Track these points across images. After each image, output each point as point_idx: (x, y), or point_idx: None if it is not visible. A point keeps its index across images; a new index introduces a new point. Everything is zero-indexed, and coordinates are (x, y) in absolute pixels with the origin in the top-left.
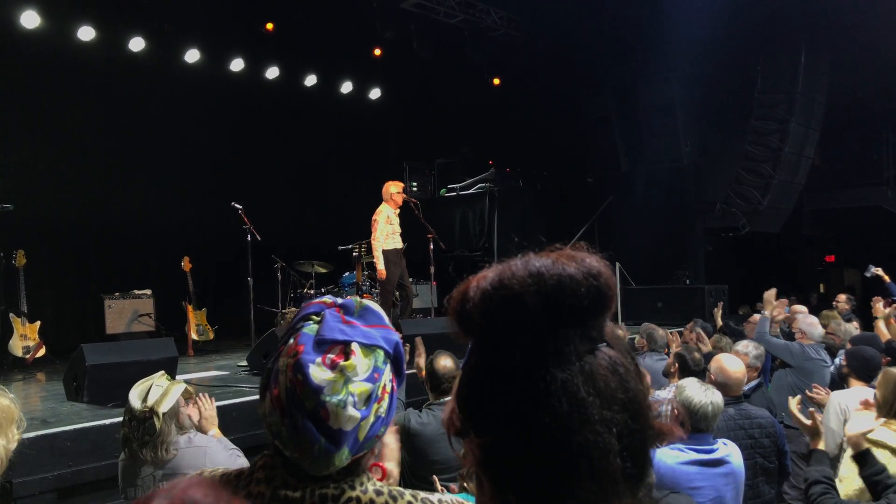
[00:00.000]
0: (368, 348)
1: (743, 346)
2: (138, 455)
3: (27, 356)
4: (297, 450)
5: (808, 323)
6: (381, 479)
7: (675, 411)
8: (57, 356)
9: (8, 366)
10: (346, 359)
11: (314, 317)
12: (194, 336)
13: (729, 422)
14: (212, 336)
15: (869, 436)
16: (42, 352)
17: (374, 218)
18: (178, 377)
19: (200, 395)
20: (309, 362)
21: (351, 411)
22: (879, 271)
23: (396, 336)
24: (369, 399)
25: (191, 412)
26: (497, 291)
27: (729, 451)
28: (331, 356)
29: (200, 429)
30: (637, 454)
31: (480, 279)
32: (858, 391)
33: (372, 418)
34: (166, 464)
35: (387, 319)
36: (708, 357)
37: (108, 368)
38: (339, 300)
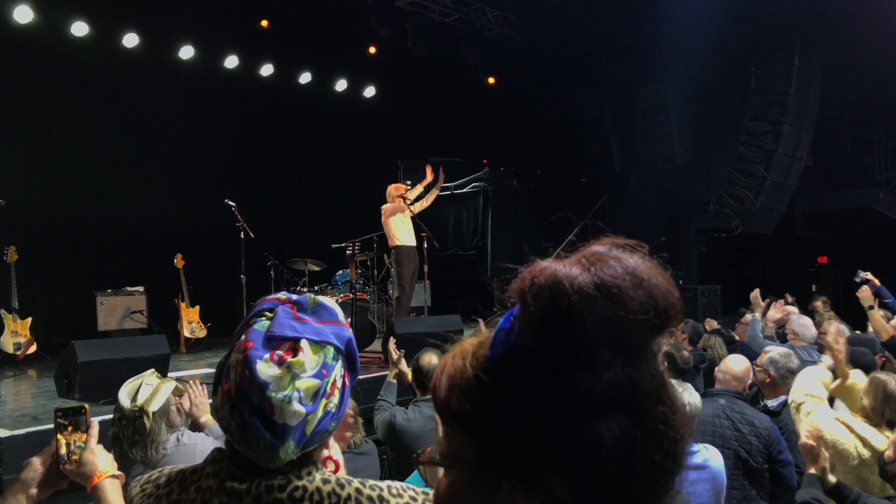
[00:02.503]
0: (318, 345)
1: (773, 349)
2: (128, 455)
3: (18, 352)
4: (244, 443)
5: (801, 324)
6: (334, 472)
7: None
8: (48, 353)
9: None
10: (294, 355)
11: (267, 313)
12: (186, 333)
13: (717, 409)
14: (204, 333)
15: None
16: (33, 348)
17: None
18: (170, 374)
19: (190, 382)
20: (257, 358)
21: (296, 407)
22: (868, 275)
23: (349, 332)
24: (316, 395)
25: (182, 400)
26: (604, 294)
27: (709, 455)
28: (279, 353)
29: (192, 416)
30: (678, 455)
31: (570, 276)
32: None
33: (319, 413)
34: (156, 463)
35: (341, 316)
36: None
37: (99, 365)
38: (294, 297)
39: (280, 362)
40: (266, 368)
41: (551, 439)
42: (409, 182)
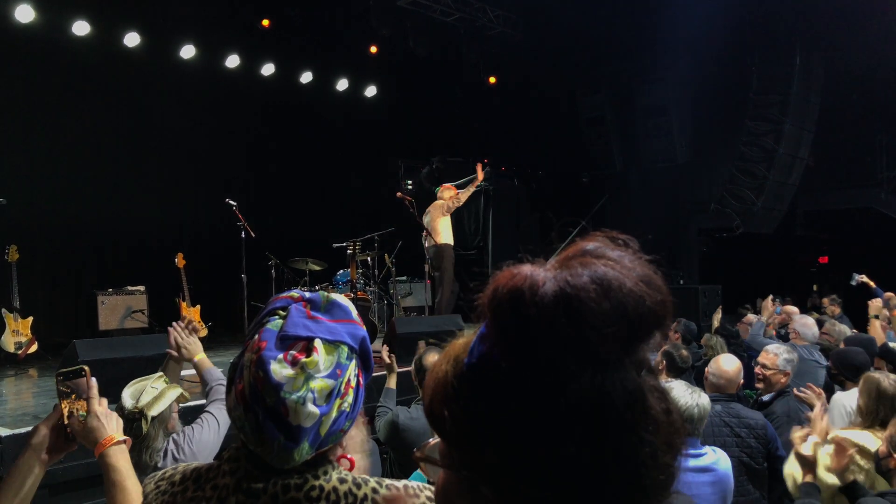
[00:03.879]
0: (332, 344)
1: (774, 347)
2: None
3: (19, 352)
4: (258, 444)
5: (802, 324)
6: (348, 471)
7: None
8: (49, 352)
9: None
10: (308, 355)
11: (280, 312)
12: None
13: (714, 418)
14: (205, 333)
15: (854, 441)
16: (34, 348)
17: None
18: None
19: (174, 324)
20: (270, 359)
21: (310, 408)
22: (864, 278)
23: (363, 331)
24: (330, 395)
25: (170, 342)
26: (564, 307)
27: (717, 457)
28: (293, 353)
29: (185, 358)
30: (668, 466)
31: (534, 286)
32: (856, 392)
33: (334, 413)
34: (149, 470)
35: (355, 314)
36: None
37: (101, 364)
38: (307, 294)
39: (294, 363)
40: (280, 369)
41: (517, 452)
42: (410, 182)
